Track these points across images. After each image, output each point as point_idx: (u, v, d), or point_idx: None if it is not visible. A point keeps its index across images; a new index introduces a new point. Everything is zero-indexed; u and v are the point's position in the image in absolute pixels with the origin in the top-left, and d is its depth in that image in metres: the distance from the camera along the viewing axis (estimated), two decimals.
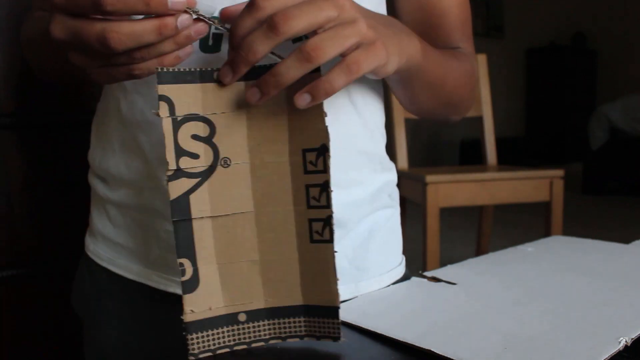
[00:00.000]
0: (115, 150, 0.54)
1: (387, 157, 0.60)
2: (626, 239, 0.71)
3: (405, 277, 0.60)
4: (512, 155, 5.19)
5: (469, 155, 5.23)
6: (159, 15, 0.36)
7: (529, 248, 0.67)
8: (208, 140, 0.39)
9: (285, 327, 0.42)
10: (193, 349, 0.40)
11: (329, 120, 0.51)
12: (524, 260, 0.62)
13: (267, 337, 0.42)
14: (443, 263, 0.75)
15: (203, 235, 0.40)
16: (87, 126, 0.62)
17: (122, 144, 0.53)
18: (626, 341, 0.38)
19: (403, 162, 1.91)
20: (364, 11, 0.41)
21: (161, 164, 0.51)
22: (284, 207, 0.41)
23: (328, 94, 0.37)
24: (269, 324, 0.42)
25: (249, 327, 0.41)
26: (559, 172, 1.69)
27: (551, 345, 0.38)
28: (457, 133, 5.41)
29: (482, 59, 1.96)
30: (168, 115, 0.38)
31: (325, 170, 0.39)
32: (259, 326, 0.42)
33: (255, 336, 0.42)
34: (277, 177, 0.40)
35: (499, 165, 2.00)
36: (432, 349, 0.38)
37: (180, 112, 0.38)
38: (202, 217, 0.39)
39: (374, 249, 0.56)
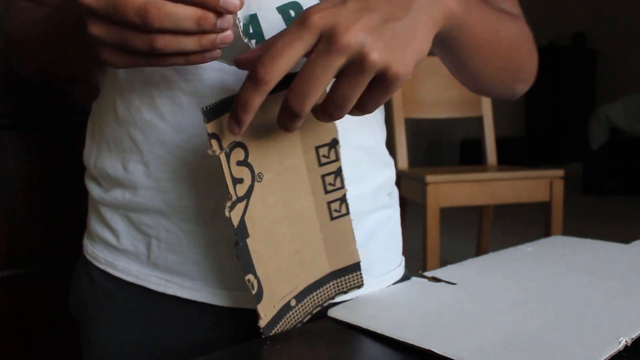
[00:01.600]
0: (111, 150, 0.54)
1: (386, 152, 0.59)
2: (626, 239, 0.71)
3: (405, 278, 0.60)
4: (512, 155, 5.19)
5: (469, 155, 5.24)
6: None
7: (529, 248, 0.67)
8: (245, 162, 0.42)
9: (321, 295, 0.48)
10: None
11: None
12: (524, 260, 0.62)
13: (311, 309, 0.48)
14: (443, 263, 0.75)
15: (256, 246, 0.43)
16: (86, 126, 0.62)
17: (118, 143, 0.53)
18: (626, 341, 0.38)
19: (403, 162, 1.91)
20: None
21: (159, 162, 0.51)
22: (306, 199, 0.45)
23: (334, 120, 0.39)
24: (310, 299, 0.48)
25: (298, 309, 0.47)
26: (559, 172, 1.69)
27: (551, 345, 0.38)
28: (457, 133, 5.41)
29: None
30: (220, 149, 0.39)
31: (338, 158, 0.45)
32: (304, 304, 0.48)
33: (304, 313, 0.48)
34: (296, 176, 0.45)
35: (499, 165, 2.00)
36: (432, 349, 0.38)
37: (225, 144, 0.40)
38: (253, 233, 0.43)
39: (374, 250, 0.56)
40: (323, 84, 0.36)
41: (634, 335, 0.39)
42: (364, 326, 0.44)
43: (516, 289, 0.51)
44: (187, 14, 0.36)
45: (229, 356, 0.41)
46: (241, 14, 0.46)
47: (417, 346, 0.39)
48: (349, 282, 0.49)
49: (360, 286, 0.48)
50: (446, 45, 0.46)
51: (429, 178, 1.60)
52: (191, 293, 0.52)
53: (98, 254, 0.56)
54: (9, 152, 0.81)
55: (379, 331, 0.43)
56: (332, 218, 0.47)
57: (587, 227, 3.13)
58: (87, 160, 0.58)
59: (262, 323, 0.43)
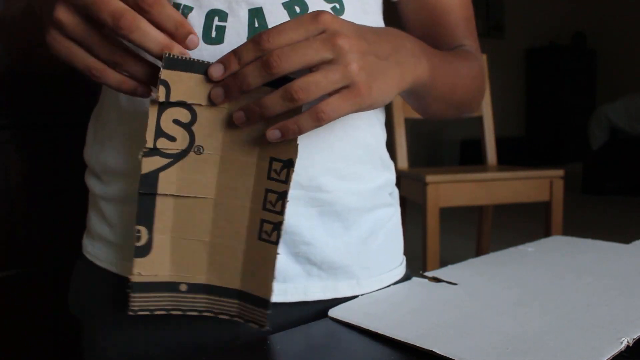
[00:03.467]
0: (114, 144, 0.54)
1: (387, 154, 0.60)
2: (626, 239, 0.71)
3: (406, 278, 0.60)
4: (512, 155, 5.19)
5: (469, 155, 5.24)
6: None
7: (529, 248, 0.67)
8: (187, 126, 0.42)
9: (219, 304, 0.45)
10: (133, 306, 0.43)
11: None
12: (525, 261, 0.62)
13: (202, 309, 0.45)
14: (443, 263, 0.75)
15: (164, 209, 0.43)
16: (85, 126, 0.62)
17: (122, 137, 0.53)
18: (628, 341, 0.38)
19: (403, 162, 1.91)
20: (370, 35, 0.42)
21: None
22: (242, 202, 0.43)
23: (296, 134, 0.40)
24: (205, 298, 0.45)
25: (187, 297, 0.45)
26: (559, 172, 1.69)
27: (553, 345, 0.38)
28: (457, 133, 5.41)
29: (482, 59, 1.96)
30: (163, 99, 0.40)
31: (287, 182, 0.42)
32: (196, 298, 0.45)
33: (191, 306, 0.45)
34: (242, 174, 0.43)
35: (499, 165, 2.00)
36: (433, 349, 0.38)
37: (173, 98, 0.40)
38: (166, 195, 0.42)
39: (375, 248, 0.56)
40: (300, 61, 0.38)
41: (635, 336, 0.39)
42: (364, 326, 0.44)
43: (517, 289, 0.51)
44: (156, 38, 0.38)
45: (229, 356, 0.41)
46: (246, 6, 0.47)
47: (418, 346, 0.39)
48: (253, 313, 0.44)
49: (262, 326, 0.43)
50: (412, 96, 0.55)
51: (429, 178, 1.60)
52: None
53: (98, 253, 0.56)
54: (9, 151, 0.81)
55: (379, 331, 0.43)
56: (260, 237, 0.43)
57: (587, 227, 3.13)
58: (89, 157, 0.58)
59: (134, 279, 0.42)
